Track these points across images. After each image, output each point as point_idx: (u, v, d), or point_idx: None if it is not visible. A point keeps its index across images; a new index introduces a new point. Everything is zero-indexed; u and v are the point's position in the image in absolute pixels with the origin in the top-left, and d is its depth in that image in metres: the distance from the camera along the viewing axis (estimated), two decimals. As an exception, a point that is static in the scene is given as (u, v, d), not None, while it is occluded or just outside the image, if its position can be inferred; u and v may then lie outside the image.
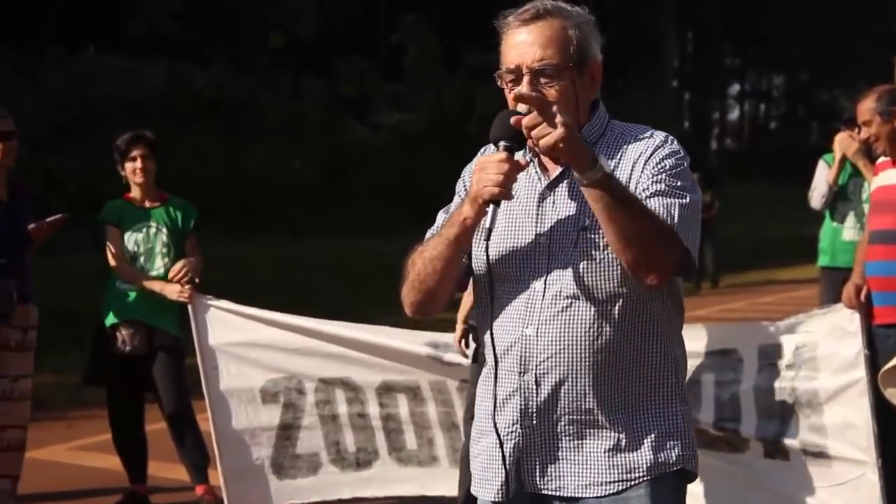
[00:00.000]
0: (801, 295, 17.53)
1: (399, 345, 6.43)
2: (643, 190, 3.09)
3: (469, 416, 6.23)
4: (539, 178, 3.20)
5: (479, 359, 6.21)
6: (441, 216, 3.36)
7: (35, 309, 6.70)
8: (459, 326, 6.15)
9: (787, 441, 5.81)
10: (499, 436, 3.15)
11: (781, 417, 5.86)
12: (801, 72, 65.95)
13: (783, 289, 21.59)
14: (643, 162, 3.14)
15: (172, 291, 6.73)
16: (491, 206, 3.01)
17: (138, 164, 7.01)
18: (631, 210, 2.97)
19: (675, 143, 3.20)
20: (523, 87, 3.12)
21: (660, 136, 3.21)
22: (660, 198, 3.06)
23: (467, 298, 6.07)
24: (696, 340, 5.88)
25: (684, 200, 3.08)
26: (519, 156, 3.08)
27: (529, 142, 3.07)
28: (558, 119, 2.91)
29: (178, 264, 6.84)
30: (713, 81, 60.62)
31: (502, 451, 3.16)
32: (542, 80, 3.13)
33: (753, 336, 6.05)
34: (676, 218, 3.04)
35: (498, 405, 3.17)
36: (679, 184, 3.11)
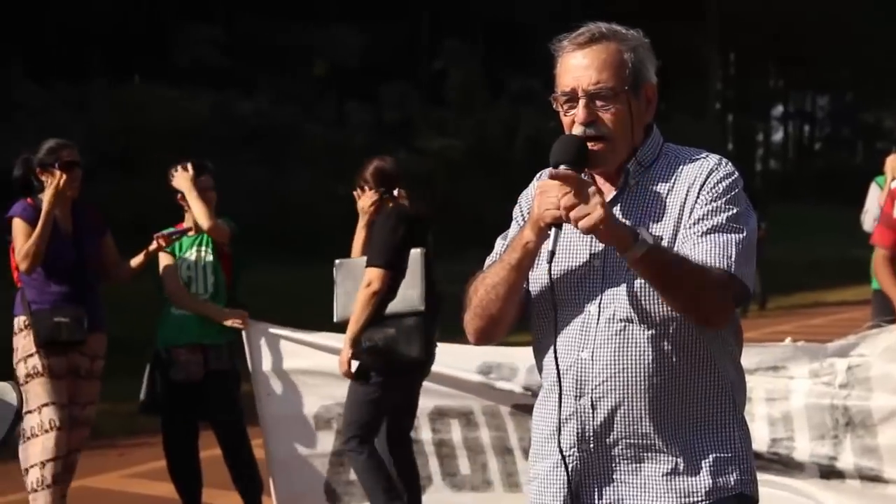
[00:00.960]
0: (852, 317, 17.38)
1: (451, 372, 6.43)
2: (699, 220, 3.11)
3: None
4: (601, 190, 3.20)
5: (362, 377, 6.27)
6: (499, 243, 3.38)
7: (104, 338, 6.81)
8: (347, 349, 6.20)
9: (841, 463, 5.77)
10: (563, 458, 3.15)
11: (835, 438, 5.82)
12: (845, 92, 65.54)
13: (832, 311, 21.42)
14: (698, 186, 3.16)
15: (227, 320, 6.78)
16: (553, 230, 3.04)
17: (208, 195, 7.11)
18: (681, 274, 3.02)
19: (729, 165, 3.22)
20: (579, 112, 3.15)
21: (714, 158, 3.23)
22: (715, 235, 3.09)
23: (354, 318, 6.13)
24: (746, 358, 5.85)
25: (741, 235, 3.11)
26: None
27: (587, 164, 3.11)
28: (596, 200, 2.94)
29: (237, 313, 6.88)
30: (757, 103, 60.37)
31: (565, 474, 3.17)
32: (598, 104, 3.16)
33: (804, 355, 6.02)
34: (734, 257, 3.08)
35: (557, 428, 3.18)
36: (734, 211, 3.13)
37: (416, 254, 6.46)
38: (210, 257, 7.12)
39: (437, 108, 38.98)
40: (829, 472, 5.84)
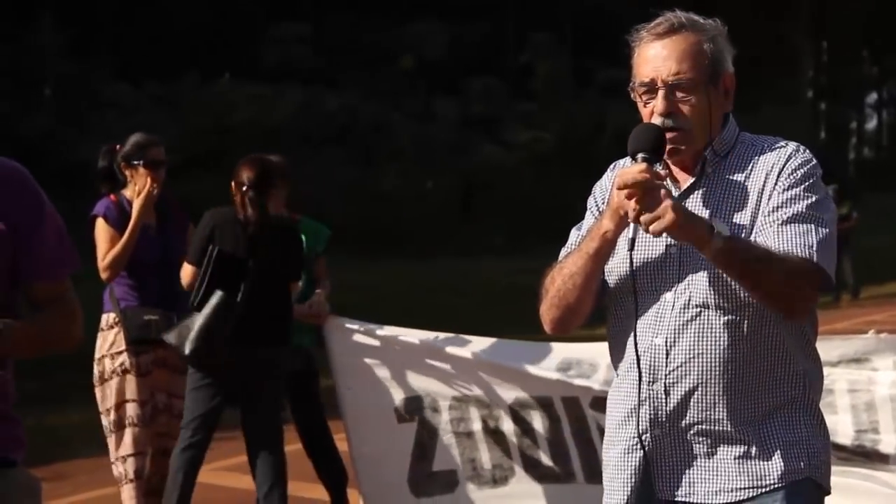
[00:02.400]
0: (947, 307, 17.13)
1: (528, 369, 6.40)
2: (777, 207, 3.10)
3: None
4: (671, 190, 3.19)
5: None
6: (574, 233, 3.39)
7: None
8: None
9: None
10: (642, 441, 3.17)
11: (923, 431, 5.73)
12: (941, 78, 64.49)
13: (926, 300, 21.12)
14: (776, 173, 3.14)
15: (306, 315, 6.80)
16: None
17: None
18: (761, 265, 3.01)
19: (807, 152, 3.20)
20: (658, 102, 3.14)
21: (791, 146, 3.21)
22: (796, 225, 3.07)
23: None
24: (828, 351, 5.77)
25: (821, 223, 3.09)
26: (657, 168, 3.10)
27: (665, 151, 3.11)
28: (666, 204, 2.93)
29: (315, 297, 6.91)
30: (850, 91, 59.56)
31: (636, 459, 3.18)
32: (678, 95, 3.16)
33: (888, 348, 5.92)
34: (815, 246, 3.05)
35: (630, 414, 3.19)
36: (814, 199, 3.11)
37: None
38: None
39: (524, 101, 38.97)
40: (916, 468, 5.74)
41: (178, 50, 35.86)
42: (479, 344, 6.56)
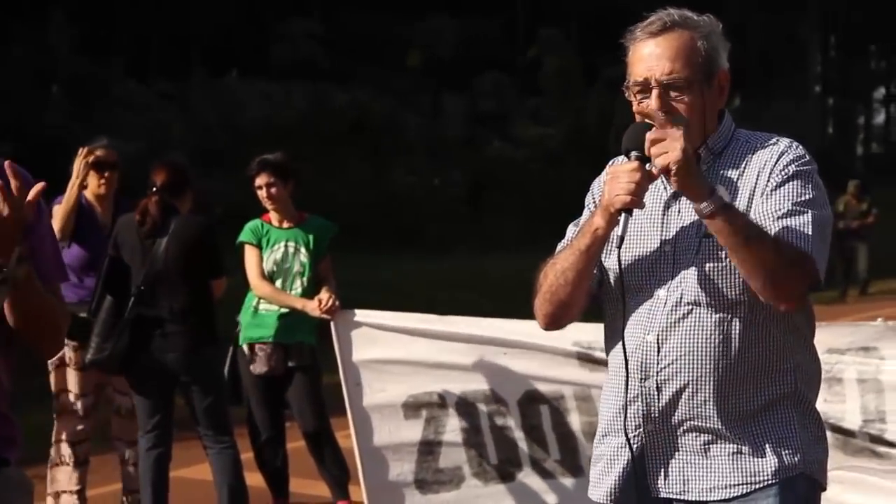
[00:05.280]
0: (954, 301, 17.09)
1: (545, 343, 6.33)
2: (769, 204, 3.10)
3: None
4: (665, 188, 3.23)
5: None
6: (571, 229, 3.41)
7: None
8: None
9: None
10: (628, 439, 3.19)
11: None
12: (950, 73, 64.23)
13: (935, 295, 21.05)
14: (769, 170, 3.15)
15: (314, 308, 6.83)
16: (623, 215, 3.06)
17: (264, 192, 7.16)
18: (752, 241, 2.99)
19: (800, 148, 3.20)
20: (652, 102, 3.15)
21: (784, 142, 3.22)
22: (789, 219, 3.06)
23: None
24: (837, 338, 5.77)
25: (814, 218, 3.08)
26: (650, 166, 3.11)
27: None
28: (678, 139, 2.95)
29: (325, 295, 6.92)
30: (858, 85, 59.34)
31: (628, 455, 3.20)
32: (672, 94, 3.16)
33: None
34: (808, 240, 3.05)
35: (620, 410, 3.21)
36: (806, 197, 3.11)
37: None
38: (303, 257, 7.18)
39: (533, 96, 38.92)
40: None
41: (188, 47, 35.90)
42: (488, 327, 6.55)
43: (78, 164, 7.06)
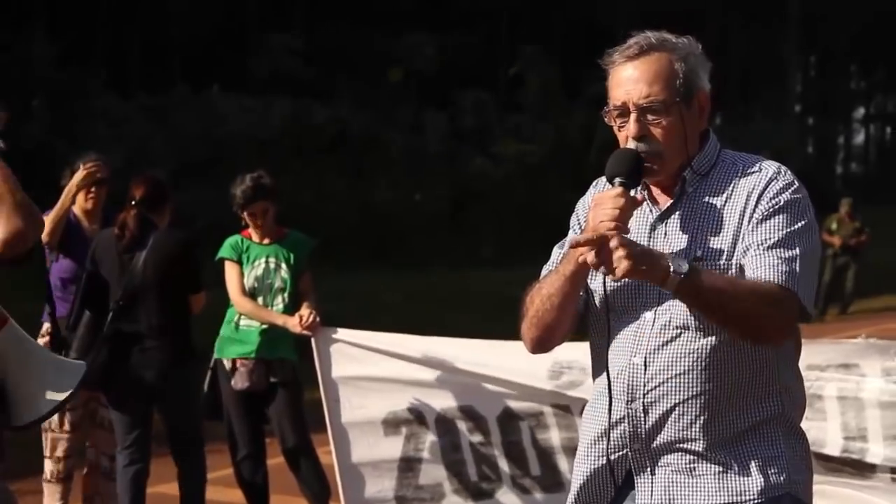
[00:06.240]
0: (934, 321, 17.14)
1: (520, 380, 6.38)
2: (758, 234, 3.10)
3: None
4: (650, 210, 3.23)
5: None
6: (556, 251, 3.42)
7: None
8: None
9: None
10: (609, 461, 3.19)
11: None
12: (929, 93, 64.56)
13: (915, 315, 21.10)
14: (756, 197, 3.14)
15: (295, 325, 6.81)
16: None
17: (258, 219, 7.14)
18: (725, 297, 3.01)
19: (788, 174, 3.20)
20: (630, 126, 3.16)
21: (773, 168, 3.20)
22: (774, 252, 3.06)
23: None
24: (816, 355, 5.78)
25: (802, 251, 3.08)
26: (634, 192, 3.13)
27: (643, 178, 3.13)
28: (619, 253, 2.95)
29: (305, 311, 6.88)
30: (838, 105, 59.63)
31: (611, 475, 3.20)
32: (650, 117, 3.16)
33: (876, 352, 5.92)
34: (794, 276, 3.05)
35: (604, 432, 3.22)
36: (795, 227, 3.11)
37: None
38: (283, 273, 7.15)
39: (515, 113, 38.96)
40: (901, 475, 5.75)
41: (169, 61, 35.85)
42: (469, 348, 6.56)
43: (79, 177, 7.08)
